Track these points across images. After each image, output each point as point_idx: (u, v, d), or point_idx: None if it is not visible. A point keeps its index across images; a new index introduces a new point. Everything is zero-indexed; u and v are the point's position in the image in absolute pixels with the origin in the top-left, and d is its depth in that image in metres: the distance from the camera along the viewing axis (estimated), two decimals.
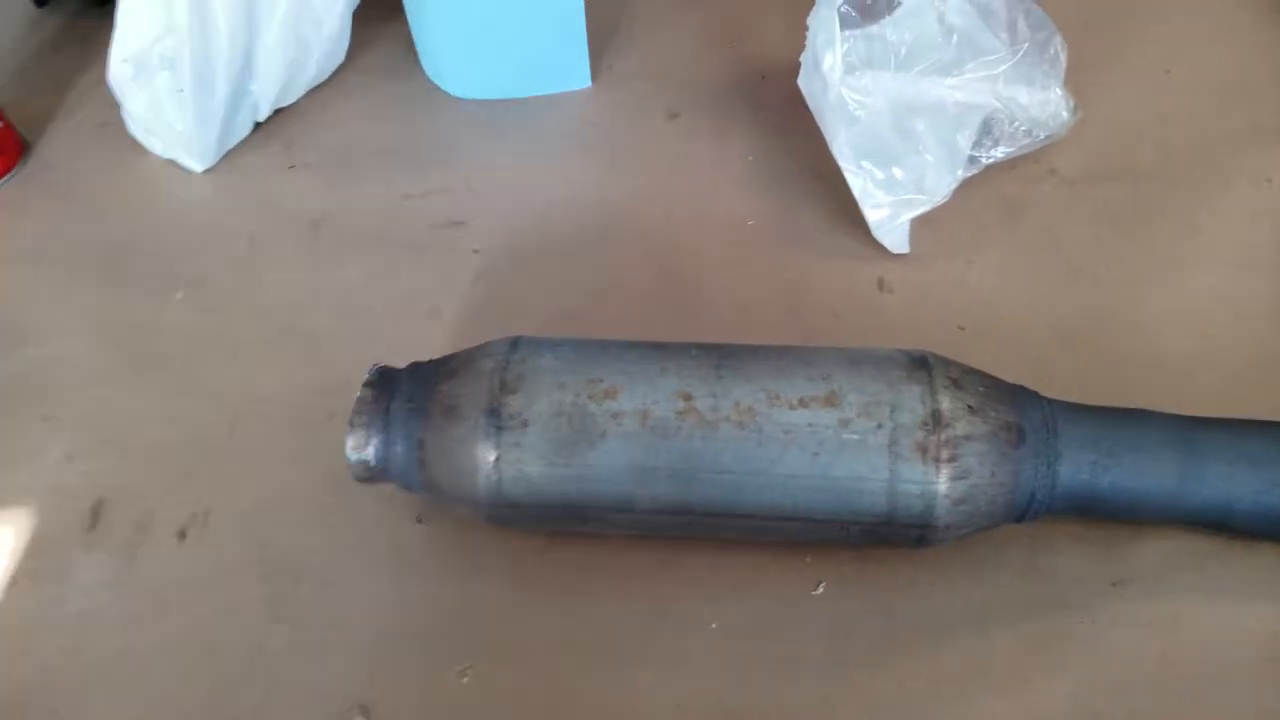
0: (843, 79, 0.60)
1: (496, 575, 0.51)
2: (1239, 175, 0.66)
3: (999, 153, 0.61)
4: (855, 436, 0.43)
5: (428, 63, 0.78)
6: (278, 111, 0.74)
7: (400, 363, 0.50)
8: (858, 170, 0.61)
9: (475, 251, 0.65)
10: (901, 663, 0.47)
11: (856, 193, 0.61)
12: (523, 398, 0.45)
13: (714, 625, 0.48)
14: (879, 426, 0.44)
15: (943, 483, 0.43)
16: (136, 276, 0.65)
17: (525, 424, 0.45)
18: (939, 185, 0.61)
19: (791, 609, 0.49)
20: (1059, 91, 0.61)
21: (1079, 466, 0.45)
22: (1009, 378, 0.48)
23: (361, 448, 0.47)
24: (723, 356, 0.47)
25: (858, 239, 0.63)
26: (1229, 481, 0.45)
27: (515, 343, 0.48)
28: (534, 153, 0.72)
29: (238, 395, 0.58)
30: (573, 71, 0.75)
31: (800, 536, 0.46)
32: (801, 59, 0.66)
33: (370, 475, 0.48)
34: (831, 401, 0.44)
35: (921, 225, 0.62)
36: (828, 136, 0.63)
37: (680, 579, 0.51)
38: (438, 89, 0.77)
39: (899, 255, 0.62)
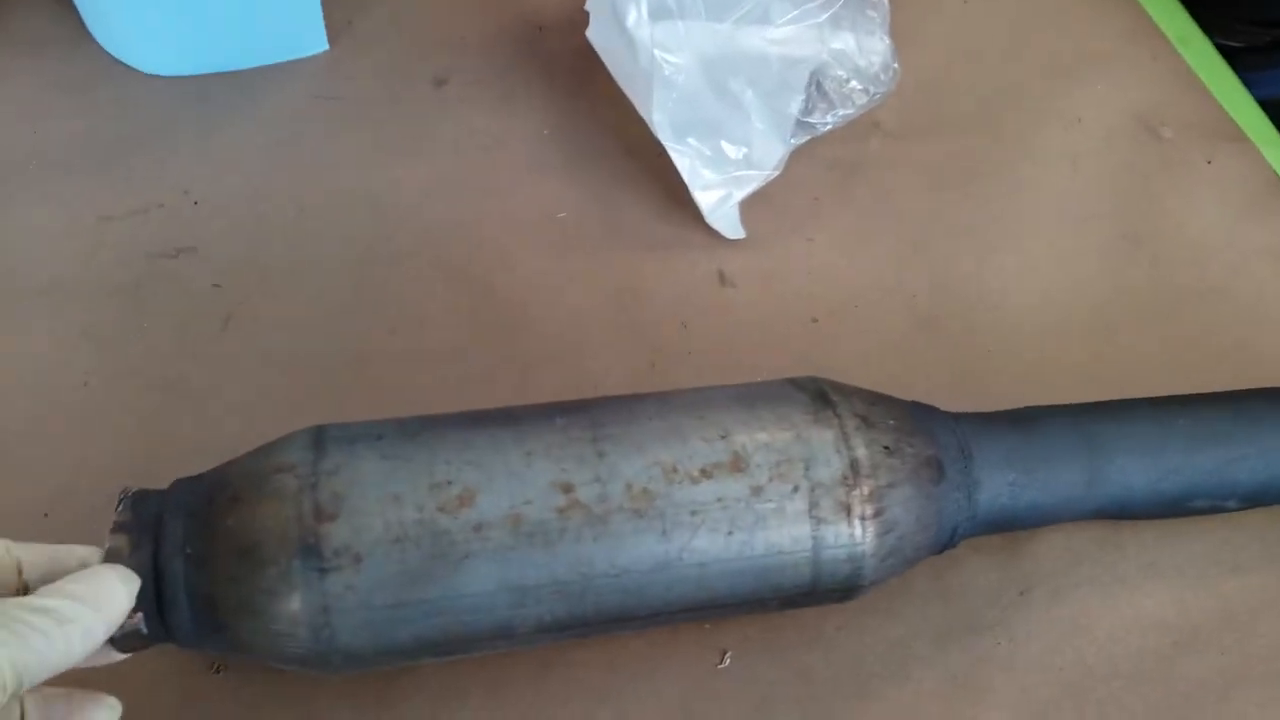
0: (654, 38, 0.53)
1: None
2: (1050, 117, 0.65)
3: (834, 117, 0.55)
4: (771, 504, 0.38)
5: (99, 30, 0.60)
6: None
7: (149, 478, 0.39)
8: (683, 148, 0.53)
9: (216, 287, 0.51)
10: None
11: (685, 174, 0.54)
12: (347, 524, 0.34)
13: None
14: (795, 490, 0.38)
15: (869, 541, 0.38)
16: None
17: (357, 559, 0.34)
18: (769, 155, 0.55)
19: (698, 688, 0.44)
20: (886, 40, 0.58)
21: (997, 491, 0.42)
22: (875, 374, 0.45)
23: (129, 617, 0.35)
24: (595, 423, 0.39)
25: (686, 225, 0.57)
26: (1127, 475, 0.45)
27: (318, 439, 0.37)
28: (269, 142, 0.58)
29: None
30: (304, 32, 0.60)
31: (710, 619, 0.41)
32: (589, 7, 0.57)
33: (144, 644, 0.36)
34: (738, 466, 0.39)
35: (752, 201, 0.57)
36: (638, 105, 0.55)
37: (565, 680, 0.44)
38: (120, 64, 0.59)
39: (735, 241, 0.56)
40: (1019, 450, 0.43)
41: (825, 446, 0.39)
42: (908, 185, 0.61)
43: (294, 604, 0.34)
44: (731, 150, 0.53)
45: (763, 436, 0.39)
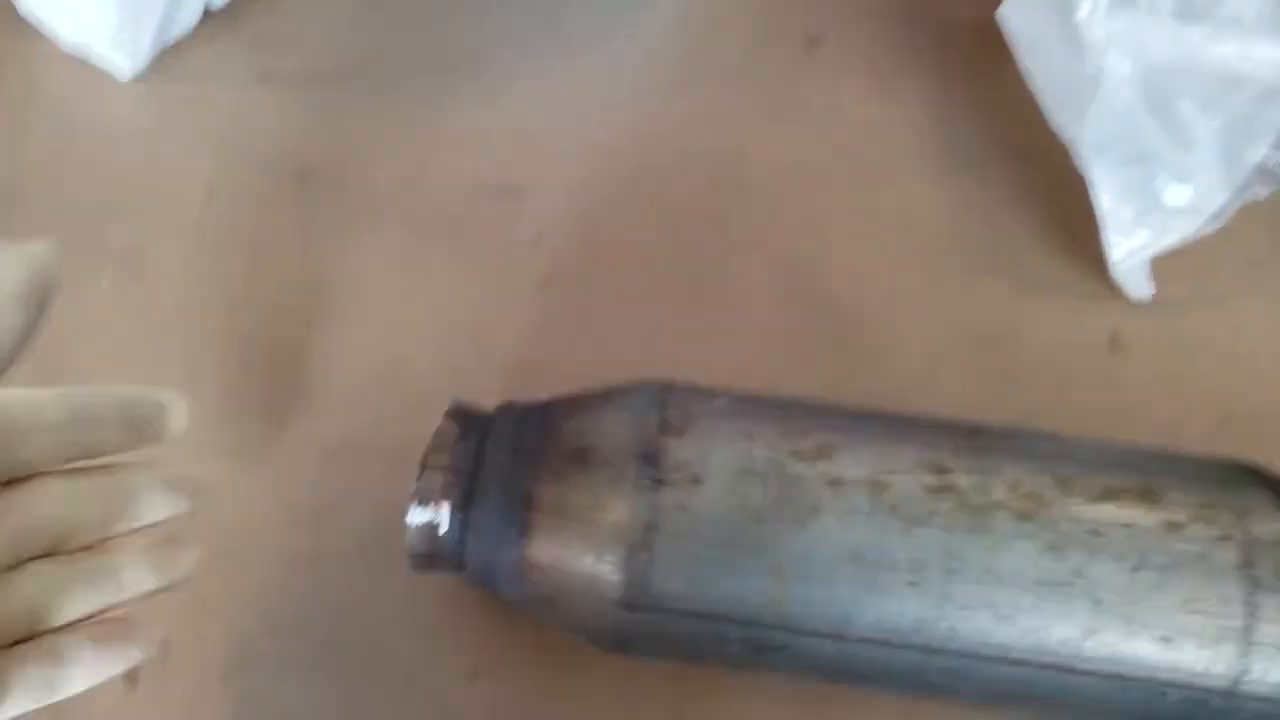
0: (1109, 34, 0.49)
1: None
2: None
3: None
4: (1192, 548, 0.35)
5: None
6: None
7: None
8: (1109, 176, 0.50)
9: (536, 240, 0.54)
10: None
11: (1102, 208, 0.51)
12: (693, 444, 0.36)
13: None
14: (1224, 539, 0.35)
15: None
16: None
17: (697, 479, 0.35)
18: (1209, 202, 0.50)
19: None
20: None
21: None
22: None
23: (434, 500, 0.38)
24: (973, 428, 0.39)
25: (1079, 268, 0.54)
26: None
27: (668, 385, 0.40)
28: (613, 86, 0.61)
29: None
30: None
31: (1076, 705, 0.38)
32: None
33: (432, 551, 0.38)
34: (1150, 497, 0.37)
35: (1168, 255, 0.53)
36: (1052, 111, 0.53)
37: None
38: None
39: (1137, 300, 0.53)
40: None
41: (1264, 504, 0.38)
42: None
43: (619, 511, 0.35)
44: (1169, 190, 0.50)
45: (1178, 477, 0.37)
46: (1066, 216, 0.55)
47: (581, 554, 0.35)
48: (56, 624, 0.29)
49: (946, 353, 0.52)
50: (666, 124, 0.59)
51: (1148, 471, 0.38)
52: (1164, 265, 0.53)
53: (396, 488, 0.40)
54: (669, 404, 0.37)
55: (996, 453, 0.37)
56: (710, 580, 0.35)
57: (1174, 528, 0.35)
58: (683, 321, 0.53)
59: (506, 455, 0.37)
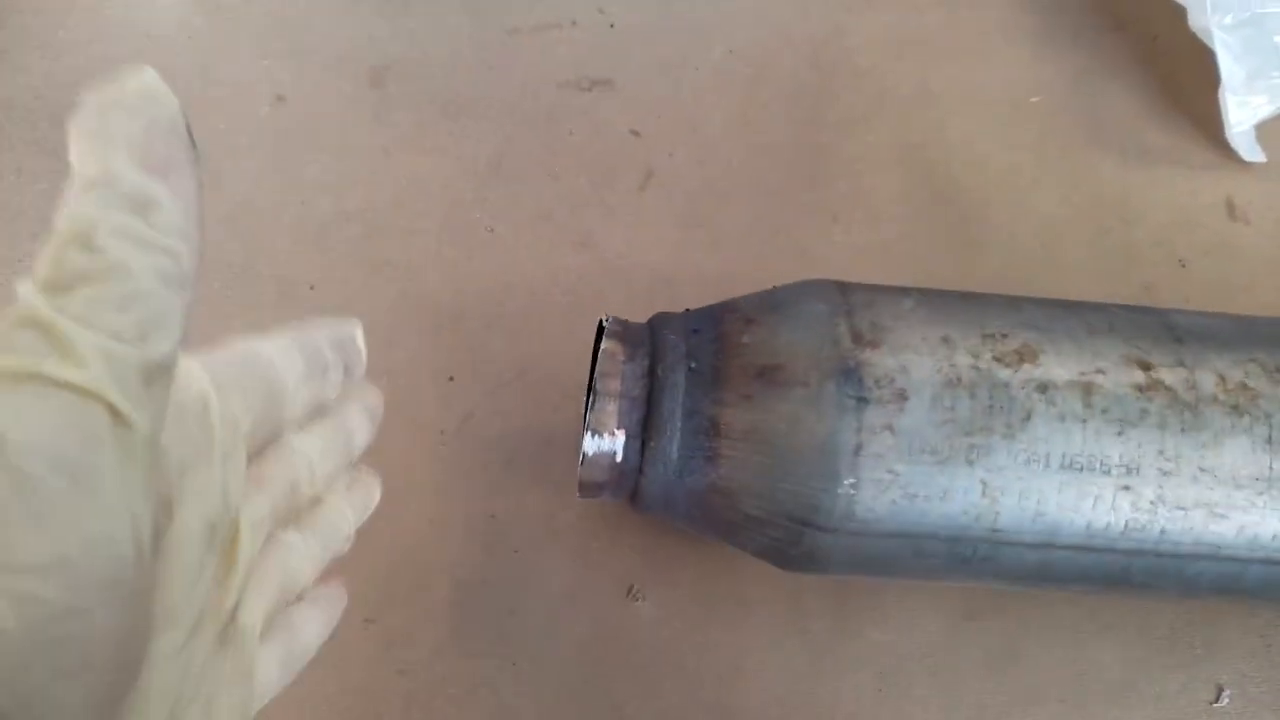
0: None
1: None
2: None
3: None
4: None
5: None
6: None
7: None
8: (1231, 35, 0.49)
9: (635, 134, 0.52)
10: None
11: (1223, 68, 0.49)
12: (892, 356, 0.34)
13: None
14: None
15: None
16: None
17: (902, 395, 0.33)
18: None
19: None
20: None
21: None
22: None
23: (609, 429, 0.36)
24: (1161, 315, 0.37)
25: (1189, 135, 0.53)
26: None
27: (841, 284, 0.37)
28: None
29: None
30: None
31: (1272, 592, 0.37)
32: None
33: (607, 480, 0.36)
34: None
35: (1275, 120, 0.52)
36: None
37: (1025, 683, 0.42)
38: None
39: (1251, 164, 0.52)
40: None
41: None
42: None
43: (821, 435, 0.33)
44: None
45: None
46: (1173, 84, 0.54)
47: (778, 481, 0.33)
48: (299, 592, 0.28)
49: (1065, 231, 0.51)
50: (758, 3, 0.56)
51: None
52: (1271, 130, 0.52)
53: (541, 406, 0.41)
54: (854, 310, 0.34)
55: (1194, 340, 0.35)
56: (918, 500, 0.33)
57: None
58: (801, 211, 0.50)
59: (683, 376, 0.34)
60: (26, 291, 0.21)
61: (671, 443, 0.35)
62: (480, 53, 0.52)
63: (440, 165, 0.49)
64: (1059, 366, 0.34)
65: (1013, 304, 0.37)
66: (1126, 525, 0.34)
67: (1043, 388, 0.34)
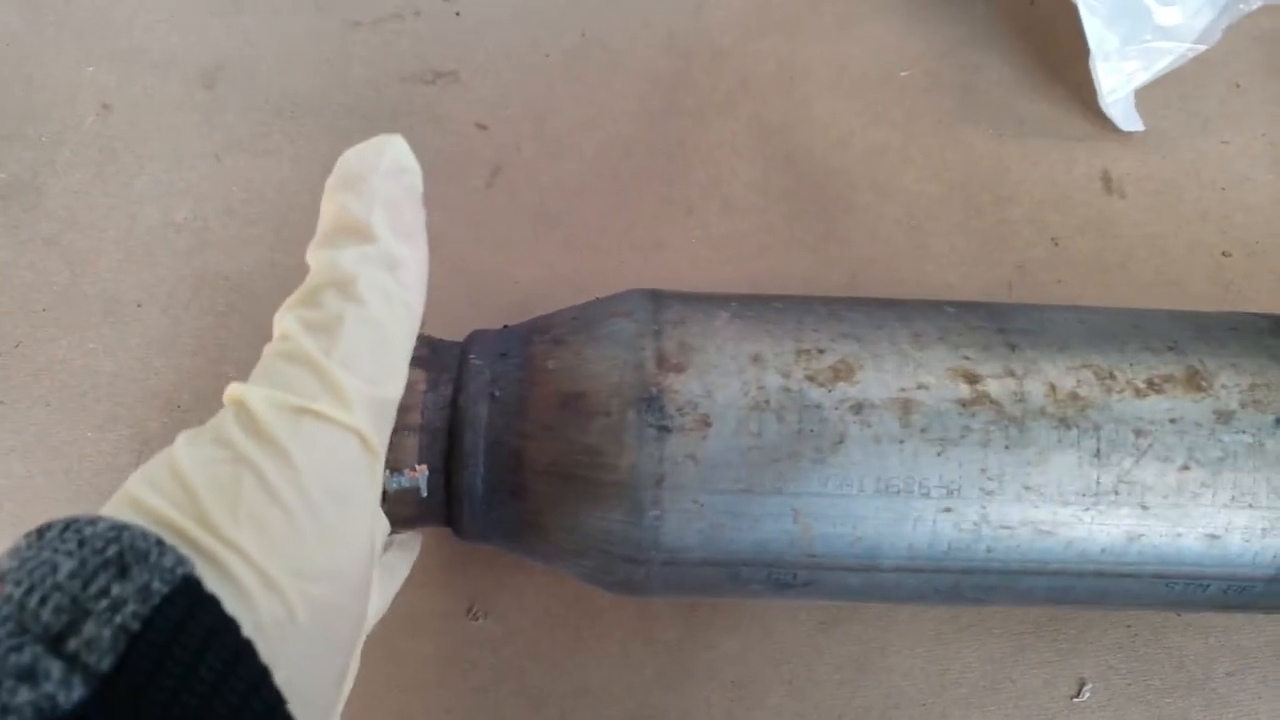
0: None
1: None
2: None
3: None
4: (1244, 437, 0.33)
5: None
6: None
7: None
8: (1098, 1, 0.47)
9: (481, 128, 0.49)
10: None
11: (1091, 35, 0.47)
12: (697, 379, 0.32)
13: None
14: (1278, 422, 0.35)
15: None
16: None
17: (705, 422, 0.32)
18: (1195, 23, 0.47)
19: None
20: None
21: None
22: None
23: (407, 466, 0.33)
24: (997, 314, 0.35)
25: (1065, 105, 0.51)
26: None
27: (655, 295, 0.35)
28: None
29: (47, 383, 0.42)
30: None
31: (1114, 602, 0.35)
32: None
33: (416, 515, 0.34)
34: (1196, 385, 0.34)
35: (1154, 85, 0.50)
36: None
37: (886, 690, 0.41)
38: None
39: (1128, 134, 0.50)
40: None
41: None
42: None
43: (623, 467, 0.31)
44: (1159, 10, 0.46)
45: (1224, 354, 0.35)
46: (1046, 53, 0.52)
47: (584, 514, 0.32)
48: None
49: (935, 209, 0.49)
50: None
51: (1192, 348, 0.34)
52: (1148, 97, 0.50)
53: None
54: (663, 329, 0.32)
55: (1028, 345, 0.33)
56: (727, 529, 0.32)
57: (1224, 418, 0.32)
58: (656, 204, 0.48)
59: (485, 406, 0.32)
60: (292, 328, 0.26)
61: (475, 477, 0.33)
62: (318, 48, 0.49)
63: (275, 169, 0.47)
64: (877, 383, 0.32)
65: (835, 311, 0.35)
66: (950, 546, 0.33)
67: (858, 408, 0.32)
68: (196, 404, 0.43)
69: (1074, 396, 0.33)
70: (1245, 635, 0.41)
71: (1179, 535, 0.33)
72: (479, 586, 0.42)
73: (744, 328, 0.34)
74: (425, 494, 0.34)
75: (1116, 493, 0.33)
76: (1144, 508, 0.33)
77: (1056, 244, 0.48)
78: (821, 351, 0.33)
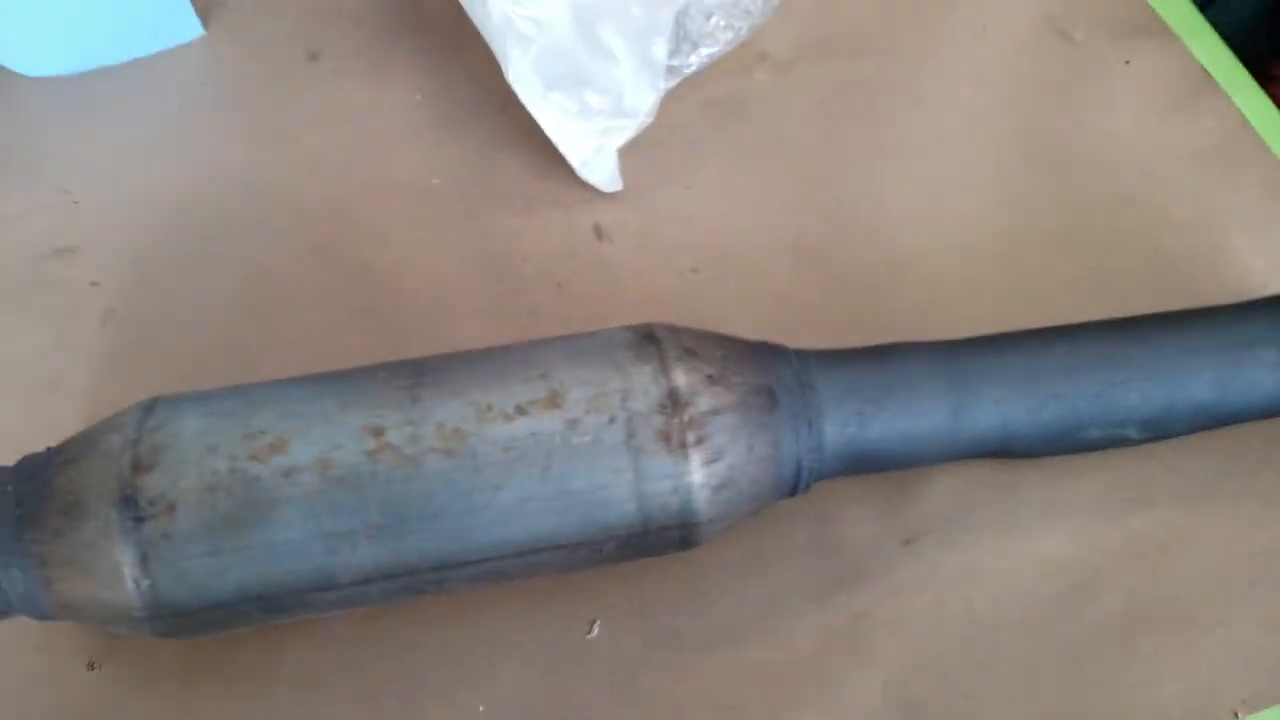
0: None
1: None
2: (954, 28, 0.71)
3: (698, 58, 0.62)
4: (587, 438, 0.43)
5: None
6: None
7: (11, 459, 0.46)
8: (545, 104, 0.60)
9: (94, 285, 0.60)
10: (698, 692, 0.49)
11: (549, 129, 0.60)
12: (162, 474, 0.42)
13: (481, 709, 0.49)
14: (611, 421, 0.44)
15: (696, 471, 0.44)
16: None
17: (171, 507, 0.41)
18: (640, 102, 0.61)
19: (566, 662, 0.50)
20: None
21: (844, 419, 0.47)
22: (754, 322, 0.51)
23: None
24: (419, 373, 0.46)
25: (563, 181, 0.63)
26: (1001, 404, 0.49)
27: (151, 407, 0.45)
28: (148, 136, 0.67)
29: None
30: (177, 19, 0.69)
31: (548, 569, 0.46)
32: None
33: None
34: (554, 402, 0.45)
35: (629, 152, 0.63)
36: (501, 63, 0.61)
37: (425, 655, 0.50)
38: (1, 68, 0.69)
39: (613, 194, 0.63)
40: (869, 379, 0.48)
41: (643, 378, 0.45)
42: (796, 117, 0.67)
43: (113, 554, 0.41)
44: (596, 100, 0.60)
45: (582, 374, 0.45)
46: (546, 145, 0.64)
47: (98, 593, 0.42)
48: None
49: (464, 283, 0.61)
50: (200, 156, 0.66)
51: (557, 372, 0.46)
52: (627, 161, 0.63)
53: None
54: (142, 437, 0.42)
55: (429, 397, 0.45)
56: (211, 582, 0.43)
57: (572, 425, 0.43)
58: (239, 332, 0.59)
59: (12, 522, 0.42)
60: None
61: (19, 579, 0.42)
62: None
63: None
64: (303, 451, 0.43)
65: (282, 395, 0.45)
66: (388, 561, 0.43)
67: (288, 473, 0.42)
68: None
69: (457, 431, 0.44)
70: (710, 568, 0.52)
71: (563, 518, 0.43)
72: (101, 638, 0.50)
73: (207, 424, 0.44)
74: None
75: (497, 495, 0.43)
76: (525, 502, 0.43)
77: (560, 287, 0.59)
78: (264, 432, 0.43)
